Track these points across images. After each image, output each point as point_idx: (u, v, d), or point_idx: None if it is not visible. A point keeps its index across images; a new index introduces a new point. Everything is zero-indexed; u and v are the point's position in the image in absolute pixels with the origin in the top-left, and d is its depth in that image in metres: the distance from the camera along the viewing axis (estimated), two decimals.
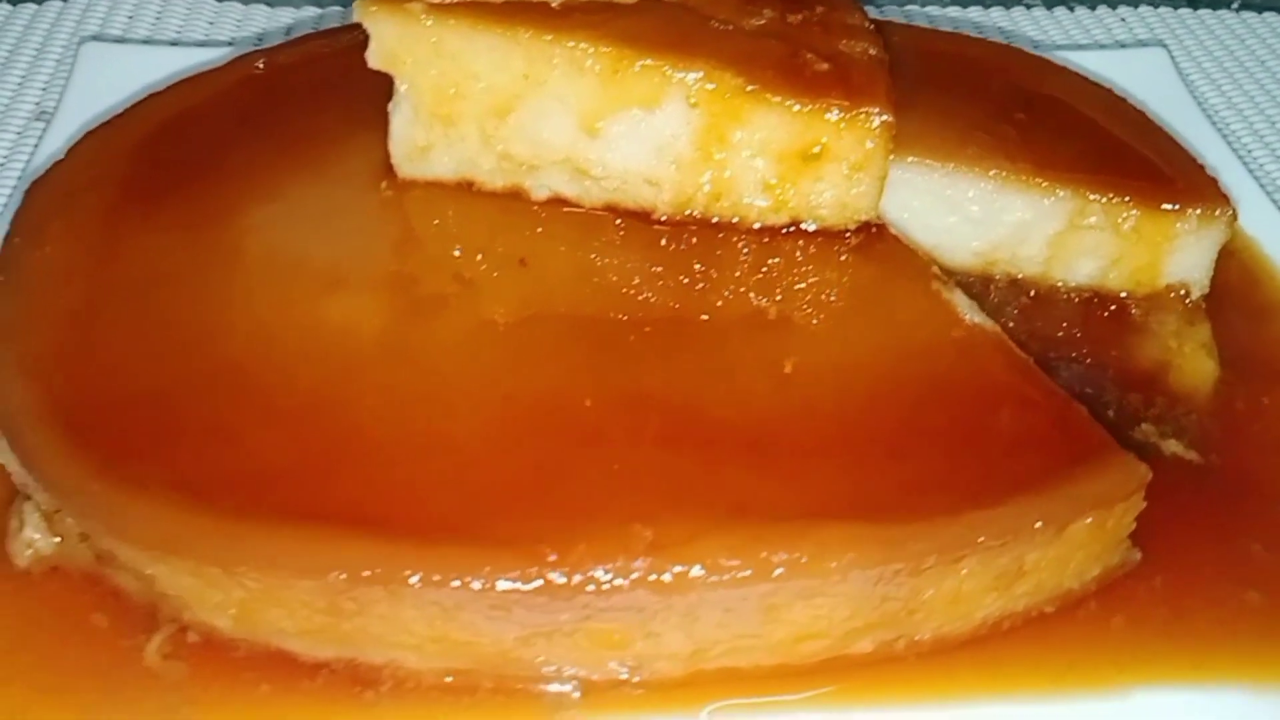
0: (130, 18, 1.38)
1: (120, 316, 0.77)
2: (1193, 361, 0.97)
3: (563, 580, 0.64)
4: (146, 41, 1.31)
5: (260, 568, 0.65)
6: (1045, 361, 0.95)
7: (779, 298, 0.83)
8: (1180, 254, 0.97)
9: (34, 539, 0.75)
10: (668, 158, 0.84)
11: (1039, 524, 0.70)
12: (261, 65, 0.98)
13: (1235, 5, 1.53)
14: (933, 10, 1.45)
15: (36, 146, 1.06)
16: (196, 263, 0.81)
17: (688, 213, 0.87)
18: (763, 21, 0.86)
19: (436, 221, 0.86)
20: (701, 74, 0.80)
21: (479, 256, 0.84)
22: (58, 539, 0.75)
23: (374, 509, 0.67)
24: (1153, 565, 0.81)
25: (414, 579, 0.64)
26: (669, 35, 0.82)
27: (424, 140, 0.86)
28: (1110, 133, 1.00)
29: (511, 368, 0.76)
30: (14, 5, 1.34)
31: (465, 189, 0.88)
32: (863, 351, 0.80)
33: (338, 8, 1.43)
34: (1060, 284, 1.00)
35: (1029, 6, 1.48)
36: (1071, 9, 1.48)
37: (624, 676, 0.70)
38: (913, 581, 0.70)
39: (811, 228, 0.87)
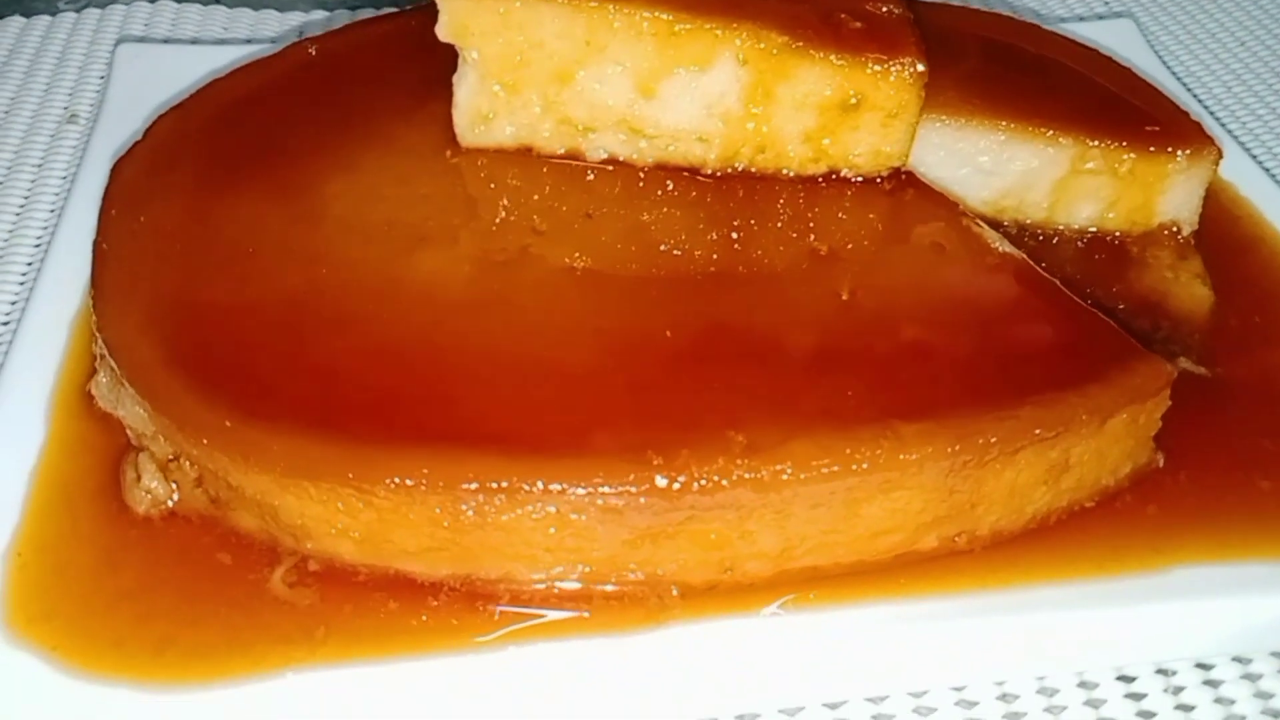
0: (146, 25, 1.42)
1: (225, 275, 0.82)
2: (1189, 289, 1.06)
3: (668, 483, 0.71)
4: (167, 41, 1.35)
5: (397, 485, 0.70)
6: None
7: (827, 237, 0.90)
8: (1172, 193, 1.06)
9: (152, 487, 0.80)
10: (717, 114, 0.92)
11: (1085, 416, 0.78)
12: (314, 51, 1.04)
13: None
14: None
15: (89, 136, 1.10)
16: (286, 226, 0.87)
17: (734, 167, 0.95)
18: None
19: (503, 183, 0.93)
20: (750, 34, 0.88)
21: (548, 212, 0.90)
22: (174, 485, 0.79)
23: (495, 428, 0.73)
24: (1177, 463, 0.89)
25: (538, 487, 0.70)
26: (715, 1, 0.89)
27: (487, 108, 0.93)
28: (1101, 86, 1.09)
29: (595, 305, 0.83)
30: (54, 16, 1.38)
31: (524, 154, 0.95)
32: (911, 279, 0.88)
33: (345, 10, 1.48)
34: (1064, 227, 1.09)
35: None
36: None
37: (719, 577, 0.77)
38: (978, 473, 0.77)
39: (848, 175, 0.95)
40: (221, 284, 0.81)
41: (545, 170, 0.94)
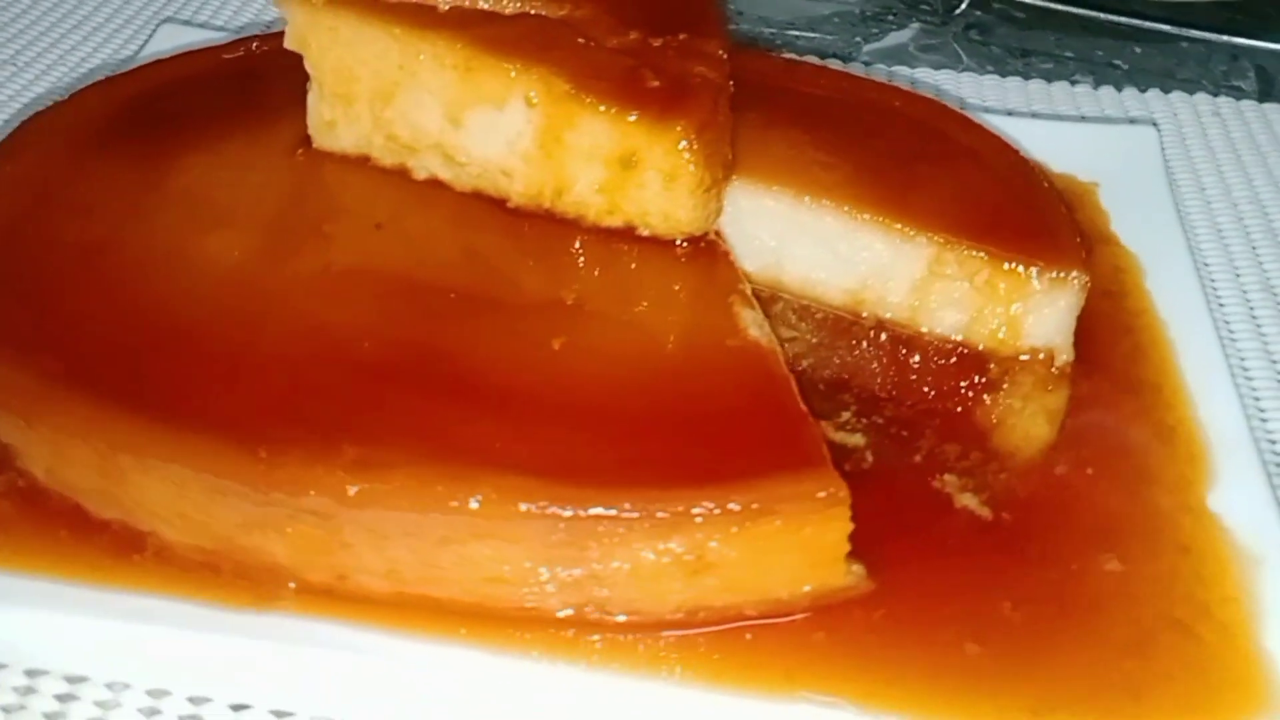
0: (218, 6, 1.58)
1: (45, 221, 0.94)
2: (1028, 425, 0.96)
3: (259, 477, 0.75)
4: (221, 27, 1.52)
5: (48, 426, 0.80)
6: (869, 396, 0.98)
7: (582, 287, 0.90)
8: (1036, 314, 0.96)
9: None
10: (517, 152, 0.94)
11: (703, 513, 0.74)
12: (256, 46, 1.16)
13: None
14: (944, 75, 1.48)
15: None
16: (123, 193, 0.98)
17: (539, 205, 0.96)
18: (626, 42, 0.94)
19: (323, 186, 1.00)
20: (539, 78, 0.90)
21: (344, 217, 0.96)
22: None
23: (143, 396, 0.80)
24: (886, 599, 0.82)
25: (151, 457, 0.77)
26: (523, 43, 0.92)
27: (329, 116, 1.00)
28: (993, 187, 1.01)
29: (322, 306, 0.88)
30: None
31: (364, 163, 1.01)
32: (633, 342, 0.86)
33: None
34: (926, 332, 1.01)
35: (1049, 80, 1.48)
36: (1095, 88, 1.46)
37: (333, 582, 0.80)
38: (590, 545, 0.75)
39: (644, 234, 0.94)
40: (31, 222, 0.93)
41: (372, 181, 1.00)
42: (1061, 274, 0.94)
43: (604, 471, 0.76)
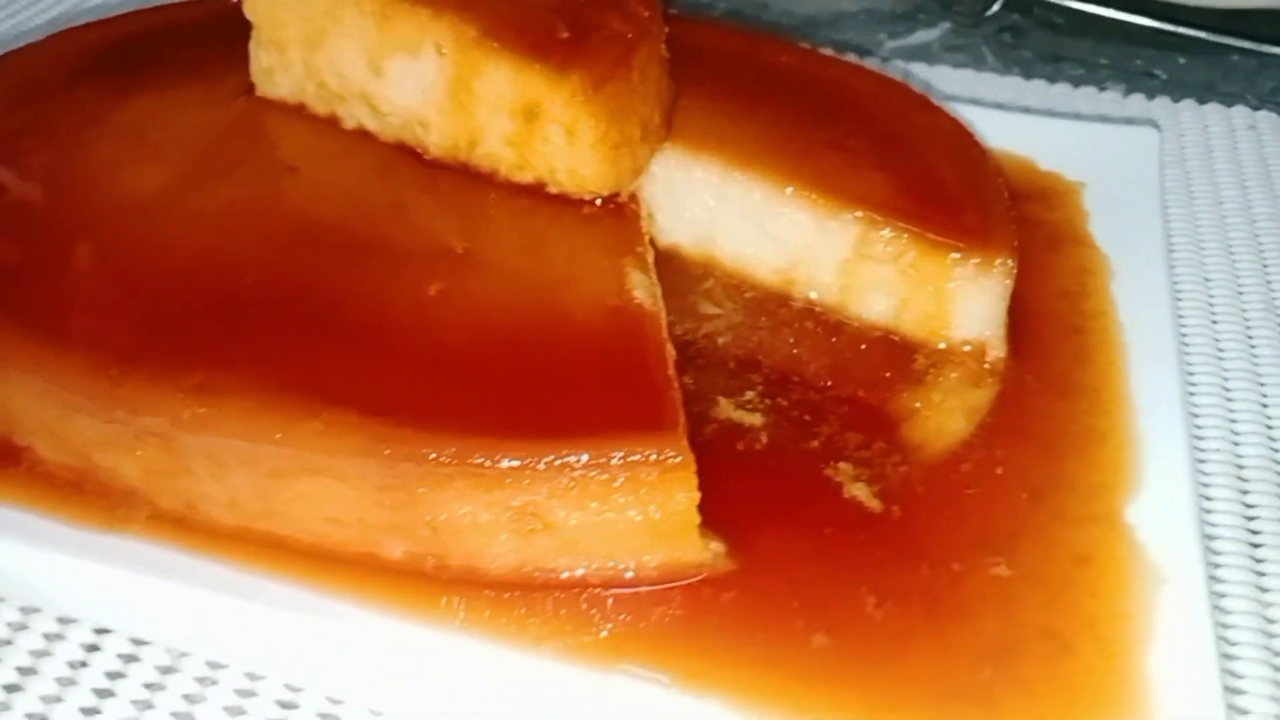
0: None
1: (11, 149, 0.98)
2: (943, 418, 0.90)
3: (101, 392, 0.75)
4: None
5: None
6: (779, 378, 0.93)
7: (475, 239, 0.88)
8: (965, 303, 0.90)
9: None
10: (431, 101, 0.93)
11: (527, 461, 0.70)
12: None
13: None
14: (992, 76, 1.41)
15: None
16: (68, 127, 1.00)
17: (455, 158, 0.95)
18: None
19: (252, 130, 1.00)
20: (449, 24, 0.88)
21: (262, 160, 0.97)
22: None
23: (18, 307, 0.81)
24: (742, 581, 0.77)
25: (15, 367, 0.78)
26: None
27: (267, 63, 1.01)
28: (931, 171, 0.95)
29: (211, 239, 0.88)
30: None
31: (299, 110, 1.02)
32: (511, 295, 0.83)
33: None
34: (854, 317, 0.96)
35: (1076, 86, 1.39)
36: (1125, 96, 1.37)
37: (183, 511, 0.79)
38: (419, 491, 0.73)
39: (554, 191, 0.92)
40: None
41: (302, 128, 1.00)
42: (986, 259, 0.87)
43: (443, 417, 0.73)
